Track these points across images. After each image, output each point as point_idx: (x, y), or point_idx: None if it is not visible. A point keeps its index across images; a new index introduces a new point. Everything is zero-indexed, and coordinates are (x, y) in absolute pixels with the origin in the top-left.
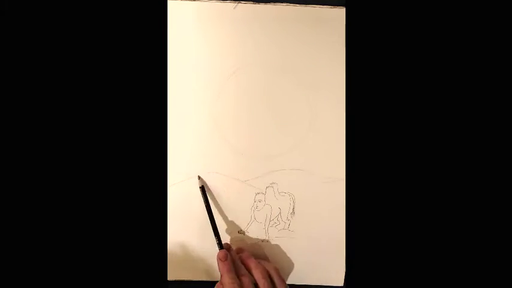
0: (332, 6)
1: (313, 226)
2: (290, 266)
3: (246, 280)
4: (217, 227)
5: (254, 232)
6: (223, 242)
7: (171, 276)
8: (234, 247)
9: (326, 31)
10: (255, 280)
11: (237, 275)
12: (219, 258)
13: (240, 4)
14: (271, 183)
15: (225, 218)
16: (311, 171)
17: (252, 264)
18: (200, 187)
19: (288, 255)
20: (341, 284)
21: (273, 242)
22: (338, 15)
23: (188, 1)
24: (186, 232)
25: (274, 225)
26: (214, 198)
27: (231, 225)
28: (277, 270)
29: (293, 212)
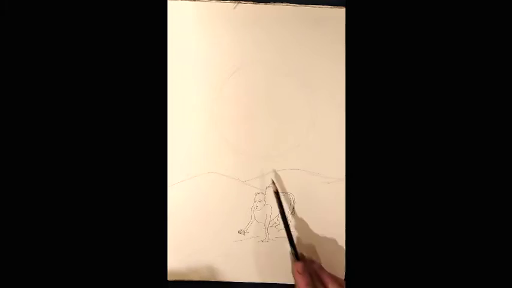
0: (332, 6)
1: (313, 226)
2: (289, 265)
3: None
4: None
5: (254, 232)
6: (297, 252)
7: (171, 276)
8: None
9: (326, 31)
10: None
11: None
12: (297, 271)
13: (240, 4)
14: (271, 183)
15: (225, 218)
16: (311, 171)
17: (328, 279)
18: (275, 192)
19: (288, 255)
20: None
21: (273, 242)
22: (338, 15)
23: (188, 1)
24: (186, 232)
25: (274, 225)
26: (215, 198)
27: (231, 225)
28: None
29: (293, 212)
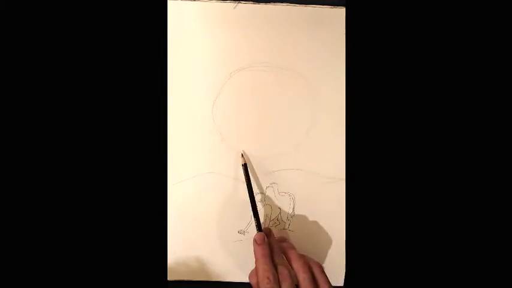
0: (332, 6)
1: (313, 226)
2: None
3: (283, 271)
4: (258, 213)
5: (254, 232)
6: (260, 224)
7: (171, 276)
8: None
9: (326, 31)
10: (294, 273)
11: (274, 263)
12: (254, 241)
13: (240, 4)
14: (271, 183)
15: (225, 218)
16: (311, 171)
17: (294, 255)
18: (243, 165)
19: None
20: (341, 284)
21: None
22: (338, 15)
23: (188, 1)
24: (186, 232)
25: (274, 225)
26: (214, 198)
27: (231, 225)
28: (321, 267)
29: (293, 212)
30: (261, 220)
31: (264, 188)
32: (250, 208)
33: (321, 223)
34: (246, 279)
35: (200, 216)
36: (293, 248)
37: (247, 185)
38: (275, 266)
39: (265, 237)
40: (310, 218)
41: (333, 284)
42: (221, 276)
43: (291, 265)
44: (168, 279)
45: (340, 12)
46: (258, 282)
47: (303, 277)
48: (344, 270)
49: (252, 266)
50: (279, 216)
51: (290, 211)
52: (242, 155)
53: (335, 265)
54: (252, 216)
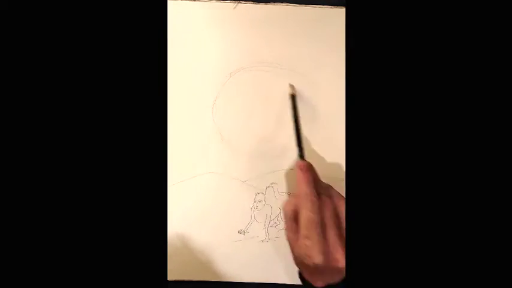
0: (332, 6)
1: None
2: (290, 266)
3: (326, 199)
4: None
5: (254, 232)
6: (304, 154)
7: (171, 276)
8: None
9: (326, 31)
10: (337, 208)
11: (317, 191)
12: (299, 167)
13: (240, 4)
14: (271, 183)
15: (225, 218)
16: None
17: (336, 192)
18: (291, 95)
19: (288, 255)
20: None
21: (273, 242)
22: (338, 15)
23: (188, 1)
24: (186, 232)
25: (274, 225)
26: (215, 198)
27: (231, 225)
28: None
29: None
30: (261, 220)
31: (264, 188)
32: (295, 136)
33: None
34: (246, 279)
35: (200, 216)
36: (334, 189)
37: (294, 115)
38: (318, 195)
39: (310, 166)
40: None
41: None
42: (221, 276)
43: (333, 200)
44: (168, 279)
45: (340, 12)
46: (295, 209)
47: (344, 211)
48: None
49: (252, 265)
50: (279, 216)
51: None
52: (291, 85)
53: None
54: (297, 145)
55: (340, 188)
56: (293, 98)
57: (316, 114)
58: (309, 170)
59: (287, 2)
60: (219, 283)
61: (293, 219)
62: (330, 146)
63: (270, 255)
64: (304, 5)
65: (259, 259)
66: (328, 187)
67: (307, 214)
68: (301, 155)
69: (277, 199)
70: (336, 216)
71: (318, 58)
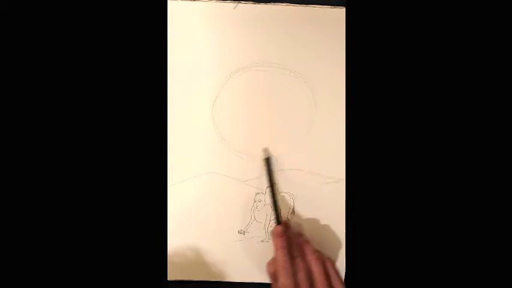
0: (332, 6)
1: (313, 226)
2: None
3: (300, 263)
4: (277, 207)
5: (254, 232)
6: (280, 218)
7: (171, 276)
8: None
9: (326, 31)
10: (309, 267)
11: (291, 256)
12: (275, 233)
13: (240, 4)
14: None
15: (225, 218)
16: (311, 171)
17: (309, 249)
18: (265, 159)
19: None
20: None
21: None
22: (338, 15)
23: (188, 1)
24: (186, 232)
25: (274, 225)
26: (215, 198)
27: (231, 225)
28: (333, 262)
29: (293, 212)
30: (261, 220)
31: (264, 188)
32: (271, 202)
33: (321, 223)
34: (246, 279)
35: (200, 216)
36: (308, 242)
37: (269, 178)
38: (292, 258)
39: (285, 230)
40: (310, 218)
41: None
42: (221, 276)
43: (305, 258)
44: (168, 279)
45: (340, 12)
46: (275, 272)
47: (316, 270)
48: (344, 270)
49: (253, 265)
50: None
51: (290, 211)
52: (265, 149)
53: None
54: (273, 210)
55: (340, 187)
56: (267, 161)
57: (316, 114)
58: (284, 235)
59: (287, 2)
60: (219, 283)
61: (275, 280)
62: (330, 146)
63: (270, 255)
64: (304, 5)
65: (259, 259)
66: (303, 244)
67: (282, 280)
68: (278, 220)
69: (278, 199)
70: (309, 277)
71: (318, 58)
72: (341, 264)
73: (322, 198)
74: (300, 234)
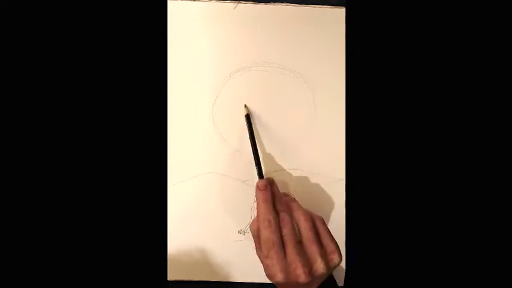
0: (332, 6)
1: None
2: None
3: (285, 216)
4: (260, 159)
5: None
6: (262, 172)
7: (171, 276)
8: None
9: (326, 31)
10: (296, 222)
11: (276, 210)
12: (257, 187)
13: (240, 4)
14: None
15: (225, 218)
16: (311, 171)
17: (296, 206)
18: (245, 115)
19: None
20: (341, 284)
21: None
22: (338, 15)
23: (188, 1)
24: (186, 232)
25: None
26: (215, 198)
27: (231, 225)
28: (322, 220)
29: None
30: None
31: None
32: (253, 158)
33: None
34: (246, 279)
35: (200, 217)
36: (295, 200)
37: (250, 134)
38: (277, 213)
39: (268, 183)
40: None
41: None
42: (221, 276)
43: (292, 214)
44: (168, 279)
45: (340, 12)
46: (258, 228)
47: (304, 225)
48: (344, 270)
49: (253, 265)
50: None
51: None
52: (245, 106)
53: None
54: (255, 165)
55: (340, 187)
56: (248, 117)
57: (316, 114)
58: (267, 188)
59: (287, 2)
60: (219, 283)
61: (258, 237)
62: (330, 146)
63: None
64: (304, 5)
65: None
66: (289, 201)
67: (265, 234)
68: (260, 174)
69: None
70: (295, 232)
71: (318, 58)
72: (341, 263)
73: (322, 198)
74: (285, 194)
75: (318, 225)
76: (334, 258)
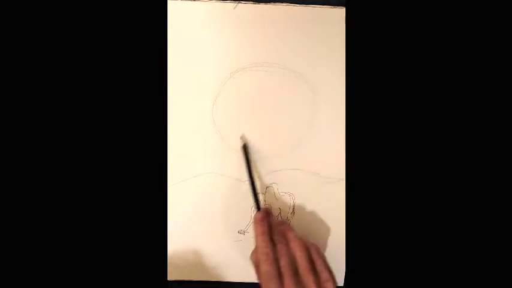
0: (332, 6)
1: (313, 226)
2: None
3: (282, 248)
4: (256, 190)
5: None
6: (259, 205)
7: (171, 276)
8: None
9: (326, 31)
10: (292, 253)
11: (273, 242)
12: (254, 219)
13: (240, 4)
14: (271, 183)
15: (225, 218)
16: (311, 171)
17: (291, 236)
18: (242, 146)
19: None
20: (341, 284)
21: None
22: (338, 15)
23: (188, 1)
24: (186, 232)
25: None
26: (215, 198)
27: (231, 225)
28: (318, 248)
29: (293, 212)
30: None
31: (264, 188)
32: (250, 189)
33: (321, 223)
34: (246, 279)
35: (200, 217)
36: (291, 229)
37: (247, 165)
38: (274, 244)
39: (265, 216)
40: (310, 218)
41: None
42: (221, 276)
43: (288, 245)
44: (168, 279)
45: (340, 12)
46: (257, 259)
47: (299, 255)
48: (344, 270)
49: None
50: (279, 216)
51: (290, 211)
52: (241, 137)
53: (335, 265)
54: (253, 197)
55: (340, 187)
56: (245, 148)
57: (316, 114)
58: (264, 221)
59: (287, 2)
60: (219, 283)
61: (258, 267)
62: (330, 146)
63: None
64: (304, 5)
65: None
66: (285, 231)
67: (263, 267)
68: (258, 207)
69: (277, 199)
70: (292, 263)
71: (317, 58)
72: (341, 264)
73: (322, 198)
74: (282, 222)
75: (313, 254)
76: (328, 286)
